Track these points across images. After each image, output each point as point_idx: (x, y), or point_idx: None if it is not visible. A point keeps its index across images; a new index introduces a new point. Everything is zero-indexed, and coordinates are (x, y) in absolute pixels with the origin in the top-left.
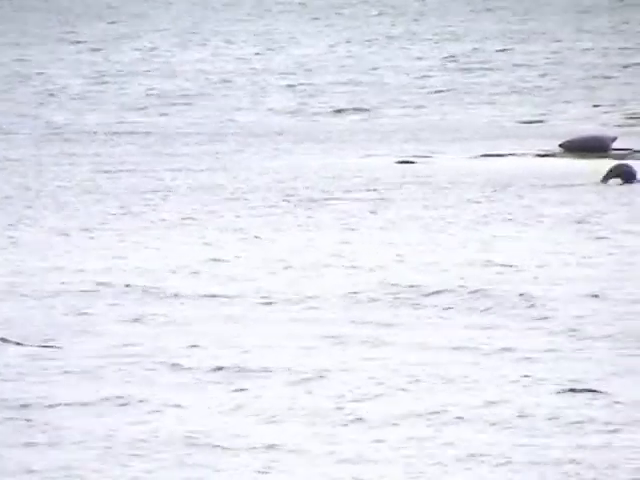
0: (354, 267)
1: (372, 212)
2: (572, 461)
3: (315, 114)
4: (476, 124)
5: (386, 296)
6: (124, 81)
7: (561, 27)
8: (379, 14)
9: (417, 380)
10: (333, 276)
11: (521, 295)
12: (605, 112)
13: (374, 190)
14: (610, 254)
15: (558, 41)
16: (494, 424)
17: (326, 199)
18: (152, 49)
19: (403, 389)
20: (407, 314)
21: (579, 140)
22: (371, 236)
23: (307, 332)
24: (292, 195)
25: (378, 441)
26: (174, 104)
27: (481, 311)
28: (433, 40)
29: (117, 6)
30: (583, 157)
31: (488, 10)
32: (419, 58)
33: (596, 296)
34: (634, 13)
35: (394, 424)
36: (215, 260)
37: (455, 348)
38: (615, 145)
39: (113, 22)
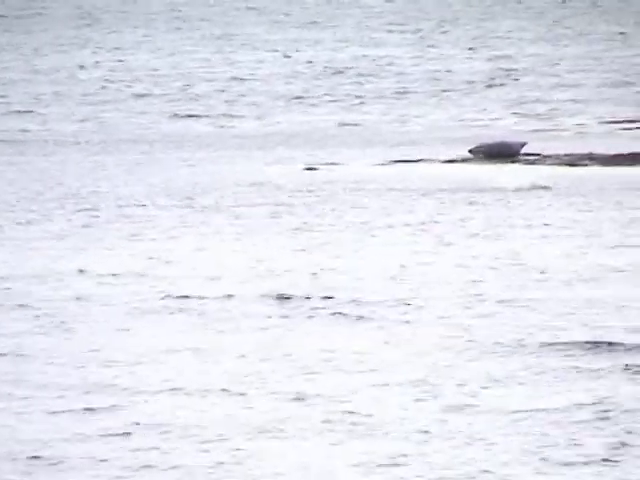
0: (183, 275)
1: (236, 219)
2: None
3: (205, 120)
4: (382, 130)
5: (173, 303)
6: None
7: (433, 33)
8: (260, 24)
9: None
10: (157, 284)
11: (353, 301)
12: (497, 118)
13: (269, 198)
14: (438, 262)
15: (434, 46)
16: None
17: (212, 207)
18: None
19: (187, 394)
20: (214, 320)
21: (488, 146)
22: (232, 243)
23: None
24: (187, 202)
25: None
26: (63, 113)
27: (281, 317)
28: (317, 47)
29: None
30: (492, 162)
31: (369, 17)
32: (301, 63)
33: (408, 304)
34: (499, 22)
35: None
36: (81, 271)
37: (240, 355)
38: (525, 150)
39: None
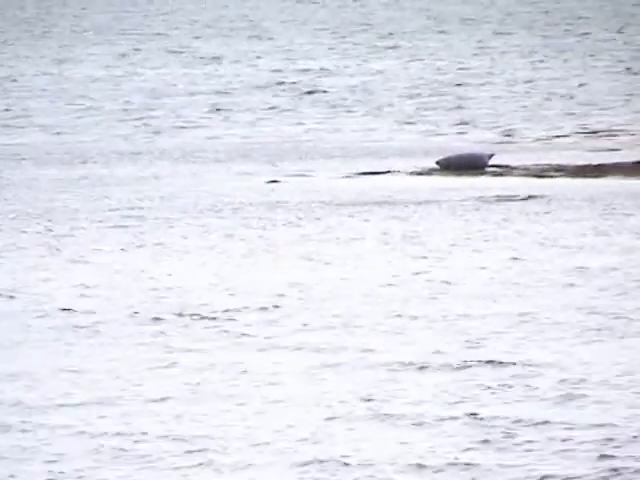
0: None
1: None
2: None
3: (157, 132)
4: (340, 142)
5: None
6: None
7: (380, 45)
8: (208, 37)
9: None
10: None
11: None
12: (449, 126)
13: (210, 213)
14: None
15: (379, 59)
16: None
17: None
18: None
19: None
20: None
21: (455, 157)
22: (150, 260)
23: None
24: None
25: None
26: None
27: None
28: (263, 60)
29: None
30: (459, 174)
31: (317, 30)
32: (248, 76)
33: (305, 322)
34: (446, 34)
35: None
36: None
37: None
38: (492, 162)
39: None
